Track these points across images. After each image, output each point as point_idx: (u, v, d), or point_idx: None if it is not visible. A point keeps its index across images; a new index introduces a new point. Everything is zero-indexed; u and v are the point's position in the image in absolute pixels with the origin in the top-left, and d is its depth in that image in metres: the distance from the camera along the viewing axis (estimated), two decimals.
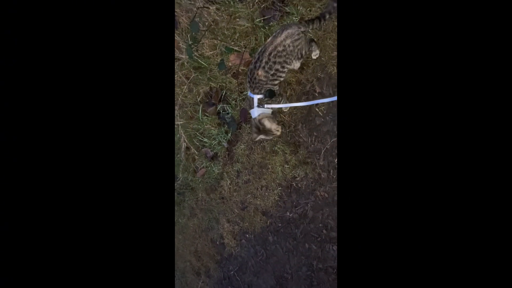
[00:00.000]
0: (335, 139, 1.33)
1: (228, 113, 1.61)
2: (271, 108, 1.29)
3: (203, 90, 1.65)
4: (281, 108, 1.39)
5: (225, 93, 1.61)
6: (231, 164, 1.67)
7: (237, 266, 1.71)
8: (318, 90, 1.36)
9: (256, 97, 1.25)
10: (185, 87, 1.69)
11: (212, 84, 1.62)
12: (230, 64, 1.54)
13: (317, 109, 1.37)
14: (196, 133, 1.72)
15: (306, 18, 1.27)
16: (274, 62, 1.18)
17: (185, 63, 1.63)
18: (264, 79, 1.21)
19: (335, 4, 1.18)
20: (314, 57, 1.31)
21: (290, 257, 1.51)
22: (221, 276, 1.77)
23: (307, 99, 1.38)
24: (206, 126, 1.68)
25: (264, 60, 1.17)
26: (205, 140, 1.70)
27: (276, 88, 1.26)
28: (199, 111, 1.67)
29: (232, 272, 1.73)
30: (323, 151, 1.32)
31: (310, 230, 1.44)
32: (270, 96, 1.25)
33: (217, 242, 1.77)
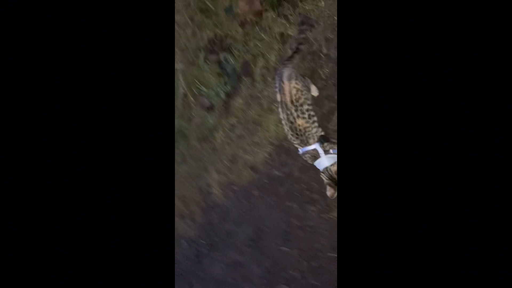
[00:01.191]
0: (334, 105, 1.31)
1: (229, 64, 1.56)
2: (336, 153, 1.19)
3: (207, 35, 1.58)
4: None
5: (230, 42, 1.54)
6: (226, 117, 1.66)
7: (220, 214, 1.79)
8: (324, 51, 1.31)
9: (318, 145, 1.17)
10: (190, 30, 1.61)
11: (218, 30, 1.55)
12: (238, 10, 1.45)
13: (320, 71, 1.33)
14: (194, 80, 1.68)
15: (285, 58, 1.26)
16: (301, 104, 1.16)
17: (191, 3, 1.54)
18: (308, 125, 1.17)
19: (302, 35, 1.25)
20: (313, 94, 1.29)
21: (271, 212, 1.58)
22: (204, 222, 1.86)
23: (312, 60, 1.33)
24: (205, 74, 1.63)
25: (293, 110, 1.15)
26: (203, 88, 1.67)
27: (320, 130, 1.21)
28: (200, 57, 1.61)
29: (215, 219, 1.81)
30: (319, 114, 1.31)
31: (294, 190, 1.48)
32: (326, 140, 1.20)
33: (204, 191, 1.83)
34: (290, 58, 1.21)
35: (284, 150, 1.49)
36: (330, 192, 1.17)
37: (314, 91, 1.29)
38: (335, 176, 1.16)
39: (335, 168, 1.16)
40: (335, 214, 1.38)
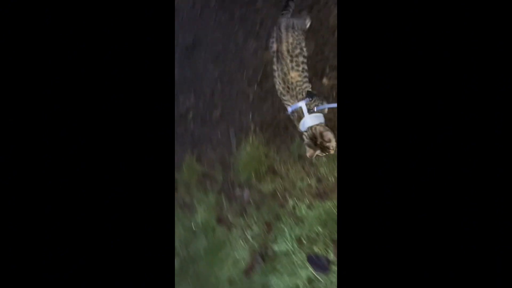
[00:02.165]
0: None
1: None
2: (322, 110, 1.16)
3: None
4: (332, 108, 1.20)
5: None
6: None
7: None
8: None
9: (304, 103, 1.14)
10: None
11: None
12: None
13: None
14: None
15: (282, 8, 1.24)
16: (297, 55, 1.15)
17: None
18: (300, 79, 1.16)
19: None
20: (307, 26, 1.29)
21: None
22: None
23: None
24: None
25: (288, 60, 1.14)
26: None
27: (309, 86, 1.20)
28: None
29: None
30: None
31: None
32: (312, 96, 1.16)
33: None
34: (286, 7, 1.21)
35: None
36: (309, 153, 1.14)
37: (307, 23, 1.30)
38: (318, 137, 1.12)
39: (320, 129, 1.12)
40: None
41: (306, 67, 1.19)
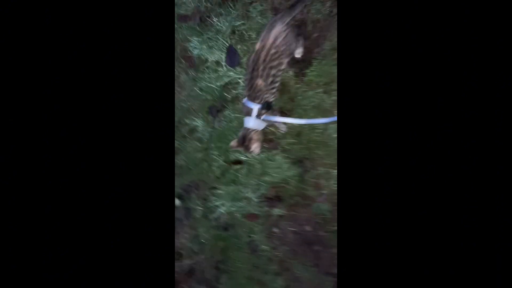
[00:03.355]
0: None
1: None
2: (268, 121, 1.22)
3: None
4: (278, 124, 1.31)
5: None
6: None
7: None
8: None
9: (256, 107, 1.18)
10: None
11: None
12: None
13: None
14: None
15: (288, 3, 1.19)
16: (270, 67, 1.13)
17: None
18: (264, 88, 1.16)
19: None
20: (297, 56, 1.25)
21: None
22: None
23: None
24: None
25: (260, 68, 1.12)
26: None
27: (273, 98, 1.21)
28: None
29: None
30: None
31: None
32: (268, 108, 1.19)
33: None
34: (292, 6, 1.14)
35: None
36: (233, 143, 1.21)
37: (298, 54, 1.25)
38: (247, 139, 1.19)
39: (254, 136, 1.19)
40: None
41: (277, 80, 1.16)
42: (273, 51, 1.11)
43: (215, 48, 1.42)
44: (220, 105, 1.46)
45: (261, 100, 1.17)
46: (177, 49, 1.47)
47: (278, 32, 1.10)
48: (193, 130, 1.54)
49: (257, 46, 1.13)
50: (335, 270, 1.32)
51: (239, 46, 1.39)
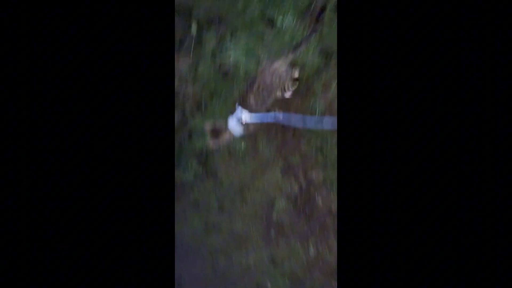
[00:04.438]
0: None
1: None
2: (247, 128, 1.32)
3: None
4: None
5: None
6: None
7: None
8: None
9: (244, 115, 1.29)
10: None
11: None
12: None
13: None
14: None
15: (295, 42, 1.30)
16: (262, 90, 1.25)
17: None
18: (254, 107, 1.28)
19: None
20: (286, 97, 1.37)
21: None
22: None
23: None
24: None
25: (254, 89, 1.25)
26: None
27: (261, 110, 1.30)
28: None
29: None
30: None
31: None
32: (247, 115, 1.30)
33: None
34: (298, 45, 1.25)
35: None
36: (208, 126, 1.33)
37: (287, 96, 1.38)
38: (222, 133, 1.32)
39: (225, 135, 1.32)
40: None
41: (265, 103, 1.28)
42: (268, 82, 1.24)
43: None
44: None
45: (249, 111, 1.28)
46: None
47: (277, 68, 1.24)
48: None
49: (259, 69, 1.27)
50: None
51: None
